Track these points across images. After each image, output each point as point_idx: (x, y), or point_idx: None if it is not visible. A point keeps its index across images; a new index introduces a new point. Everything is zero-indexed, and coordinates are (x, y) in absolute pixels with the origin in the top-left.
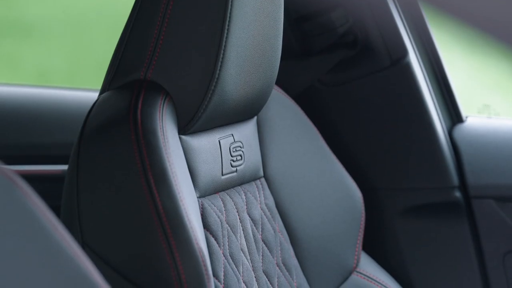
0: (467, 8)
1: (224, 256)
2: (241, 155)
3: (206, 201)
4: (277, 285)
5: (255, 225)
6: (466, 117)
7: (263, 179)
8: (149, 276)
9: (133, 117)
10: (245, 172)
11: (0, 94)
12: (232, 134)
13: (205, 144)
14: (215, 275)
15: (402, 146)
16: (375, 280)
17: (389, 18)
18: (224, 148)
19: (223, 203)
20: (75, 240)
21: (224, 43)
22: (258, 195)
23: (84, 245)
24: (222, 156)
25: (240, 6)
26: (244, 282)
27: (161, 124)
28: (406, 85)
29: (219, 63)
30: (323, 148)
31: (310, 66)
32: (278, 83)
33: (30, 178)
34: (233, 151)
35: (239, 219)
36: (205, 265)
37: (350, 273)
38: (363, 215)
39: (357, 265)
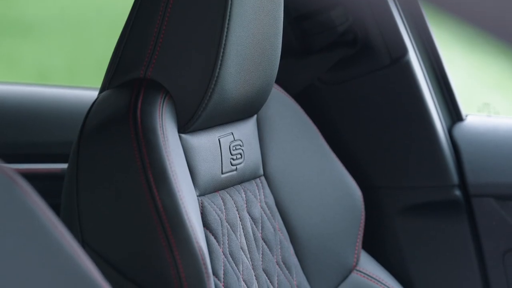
0: (467, 6)
1: (224, 254)
2: (241, 154)
3: (206, 200)
4: (277, 283)
5: (255, 224)
6: (466, 116)
7: (263, 178)
8: (149, 275)
9: (133, 116)
10: (245, 170)
11: (0, 93)
12: (232, 133)
13: (205, 142)
14: (215, 273)
15: (402, 145)
16: (374, 279)
17: (389, 16)
18: (224, 146)
19: (223, 201)
20: (74, 239)
21: (224, 42)
22: (258, 194)
23: (84, 244)
24: (222, 154)
25: (240, 4)
26: (244, 280)
27: (161, 122)
28: (406, 84)
29: (219, 62)
30: (323, 147)
31: (310, 64)
32: (278, 81)
33: (29, 177)
34: (233, 150)
35: (239, 217)
36: (204, 264)
37: (350, 272)
38: (363, 213)
39: (357, 263)
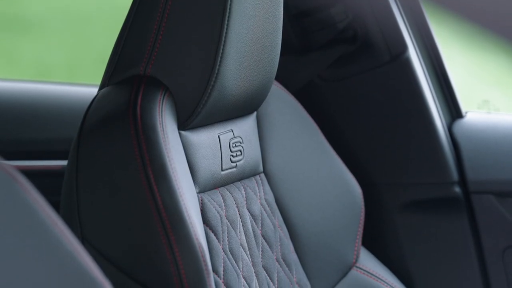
0: (466, 3)
1: (223, 251)
2: (240, 151)
3: (206, 197)
4: (277, 280)
5: (254, 221)
6: (466, 113)
7: (262, 175)
8: (149, 272)
9: (132, 113)
10: (245, 167)
11: (0, 90)
12: (231, 130)
13: (205, 139)
14: (215, 270)
15: (402, 142)
16: (374, 275)
17: (389, 13)
18: (223, 143)
19: (222, 198)
20: (74, 236)
21: (223, 39)
22: (257, 191)
23: (84, 241)
24: (222, 151)
25: (240, 1)
26: (243, 277)
27: (160, 119)
28: (406, 81)
29: (219, 59)
30: (322, 144)
31: (309, 61)
32: (278, 78)
33: (29, 174)
34: (233, 147)
35: (239, 214)
36: (204, 261)
37: (350, 268)
38: (363, 210)
39: (356, 260)
